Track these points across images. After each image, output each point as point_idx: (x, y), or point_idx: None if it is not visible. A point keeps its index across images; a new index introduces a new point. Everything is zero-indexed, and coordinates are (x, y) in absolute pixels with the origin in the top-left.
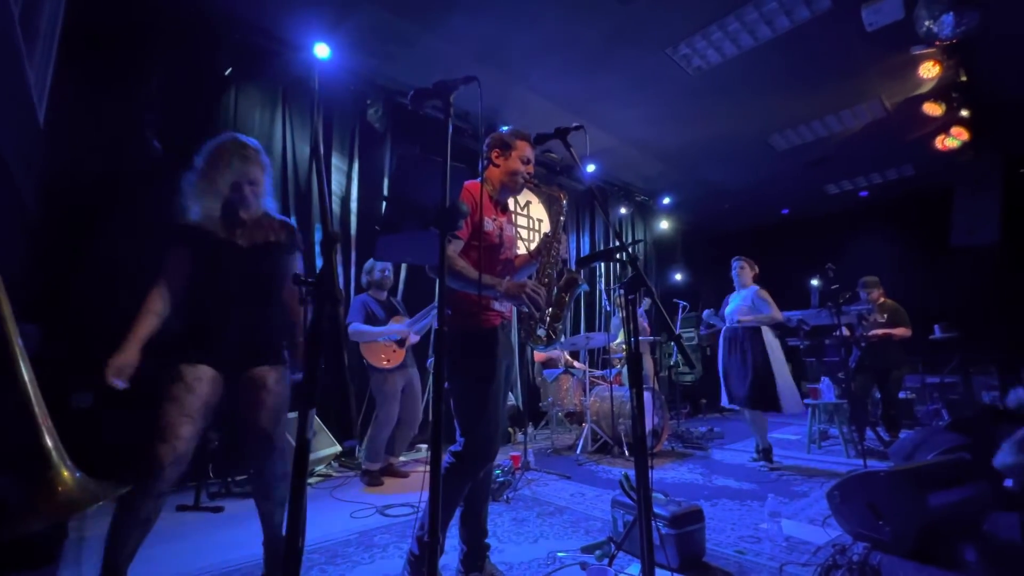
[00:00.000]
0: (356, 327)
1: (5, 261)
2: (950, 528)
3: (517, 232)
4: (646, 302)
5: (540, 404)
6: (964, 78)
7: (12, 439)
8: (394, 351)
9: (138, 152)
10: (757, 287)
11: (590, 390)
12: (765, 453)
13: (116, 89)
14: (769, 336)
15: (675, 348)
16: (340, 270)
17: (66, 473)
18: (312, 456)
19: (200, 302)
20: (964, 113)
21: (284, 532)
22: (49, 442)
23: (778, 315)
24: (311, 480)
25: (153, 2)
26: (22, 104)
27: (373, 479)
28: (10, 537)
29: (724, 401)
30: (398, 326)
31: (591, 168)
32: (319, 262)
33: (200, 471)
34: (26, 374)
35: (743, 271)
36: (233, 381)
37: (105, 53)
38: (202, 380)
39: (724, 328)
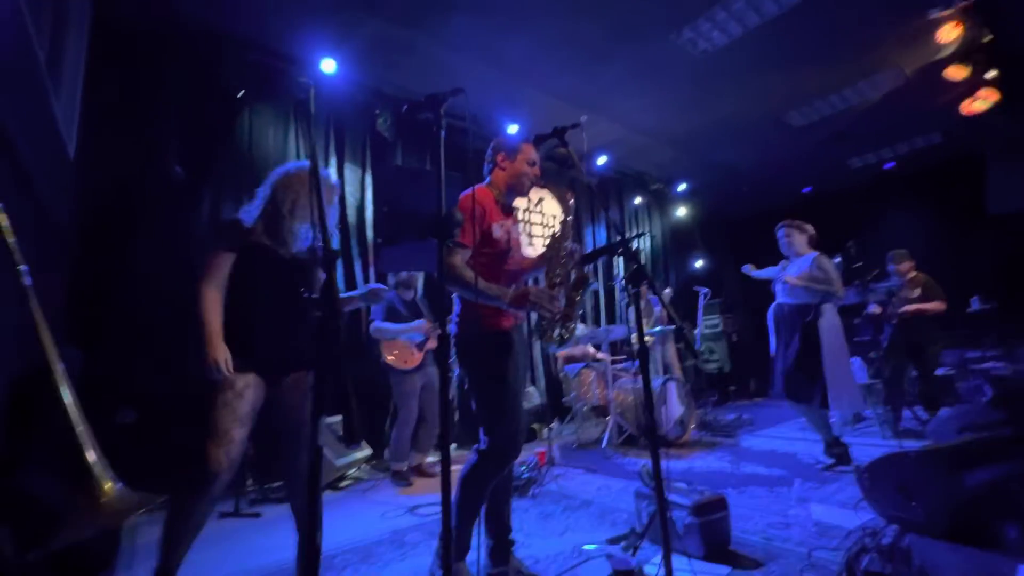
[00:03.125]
0: (377, 325)
1: (46, 291)
2: (988, 507)
3: (531, 229)
4: (667, 293)
5: (563, 399)
6: (989, 37)
7: (59, 456)
8: (413, 354)
9: (161, 177)
10: (817, 253)
11: (613, 382)
12: (828, 447)
13: (137, 117)
14: (829, 317)
15: (697, 335)
16: (359, 277)
17: (108, 485)
18: (343, 460)
19: (244, 309)
20: (991, 74)
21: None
22: (92, 457)
23: (835, 289)
24: (343, 483)
25: (166, 28)
26: (51, 139)
27: (402, 478)
28: (60, 545)
29: (774, 390)
30: (418, 322)
31: (602, 160)
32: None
33: (239, 479)
34: (68, 397)
35: (791, 237)
36: (273, 386)
37: (125, 83)
38: (250, 387)
39: (772, 306)
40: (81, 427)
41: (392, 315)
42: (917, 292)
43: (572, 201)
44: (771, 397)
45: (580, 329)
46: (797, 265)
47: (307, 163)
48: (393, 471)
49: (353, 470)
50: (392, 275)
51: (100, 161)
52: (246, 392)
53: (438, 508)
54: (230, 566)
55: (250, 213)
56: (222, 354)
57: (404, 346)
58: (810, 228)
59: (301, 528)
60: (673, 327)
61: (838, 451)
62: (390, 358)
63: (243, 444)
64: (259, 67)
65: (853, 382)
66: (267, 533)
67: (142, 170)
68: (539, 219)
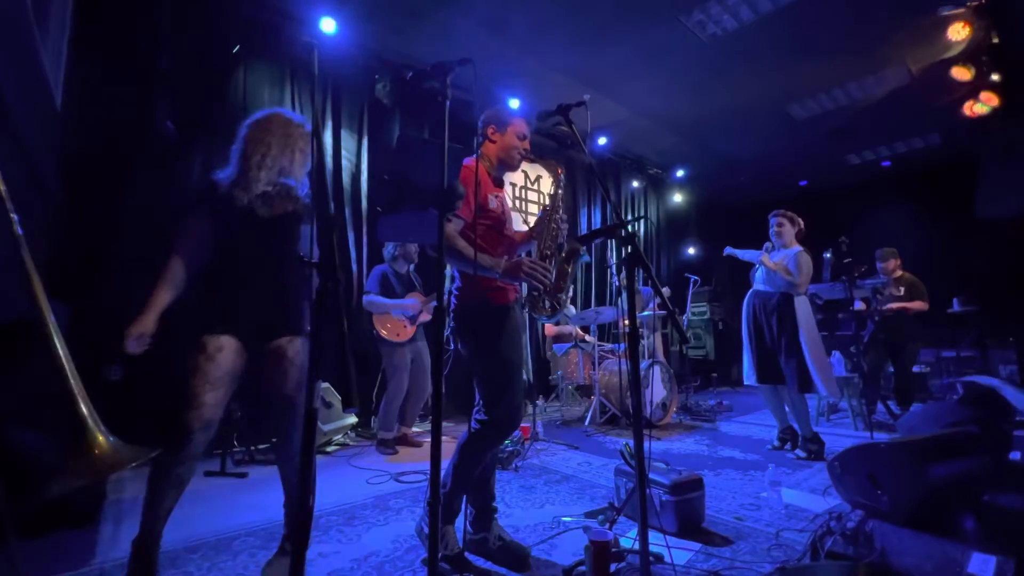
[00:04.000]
0: (371, 298)
1: (34, 243)
2: (949, 498)
3: (528, 207)
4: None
5: (550, 377)
6: (996, 40)
7: (51, 408)
8: (405, 327)
9: (152, 133)
10: (800, 249)
11: (599, 364)
12: (804, 441)
13: (128, 69)
14: (804, 305)
15: (684, 321)
16: (352, 246)
17: (101, 438)
18: (330, 426)
19: (221, 273)
20: (995, 77)
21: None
22: (84, 409)
23: (800, 285)
24: (329, 449)
25: None
26: (39, 88)
27: (388, 447)
28: (52, 495)
29: (746, 379)
30: (410, 300)
31: (602, 141)
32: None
33: (225, 439)
34: (60, 348)
35: (783, 227)
36: (256, 351)
37: (115, 33)
38: (223, 350)
39: (748, 293)
40: (73, 380)
41: (386, 287)
42: (901, 291)
43: (562, 174)
44: (743, 384)
45: (570, 310)
46: (781, 255)
47: (274, 110)
48: (379, 440)
49: (339, 436)
50: (392, 246)
51: (88, 114)
52: (218, 356)
53: (421, 476)
54: (215, 523)
55: (226, 173)
56: (139, 328)
57: (396, 319)
58: (801, 222)
59: (289, 492)
60: (663, 312)
61: (815, 447)
62: (383, 331)
63: (217, 407)
64: (255, 22)
65: (829, 368)
66: (253, 492)
67: (132, 124)
68: (536, 197)
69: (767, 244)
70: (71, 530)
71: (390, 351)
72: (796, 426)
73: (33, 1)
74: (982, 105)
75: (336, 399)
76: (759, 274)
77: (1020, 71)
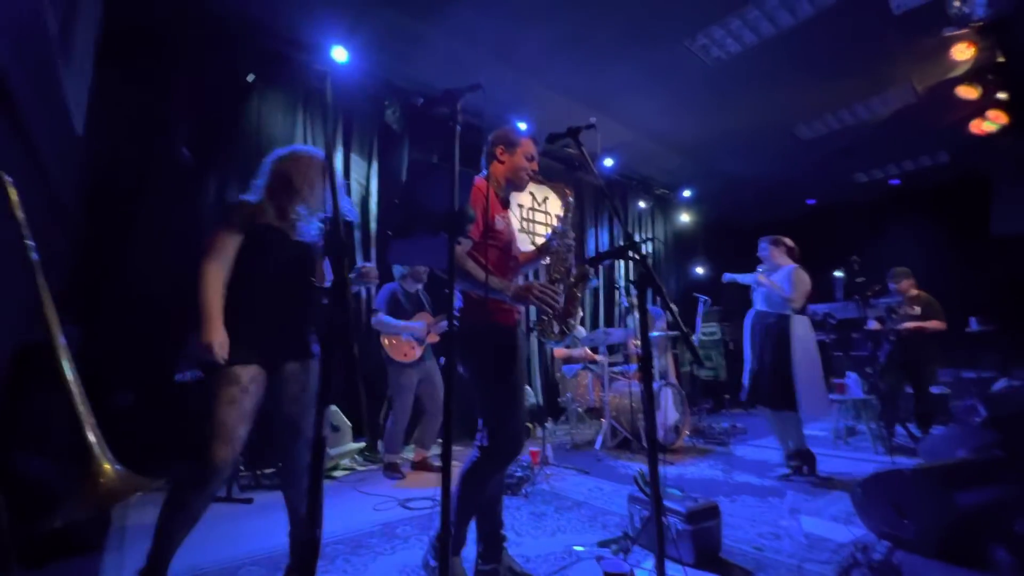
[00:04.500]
0: (379, 318)
1: (49, 266)
2: (979, 528)
3: (535, 228)
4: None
5: (559, 400)
6: (1001, 59)
7: (59, 435)
8: (412, 347)
9: (168, 159)
10: (795, 267)
11: (609, 385)
12: (799, 458)
13: (147, 96)
14: (801, 327)
15: (695, 342)
16: None
17: (107, 466)
18: (337, 450)
19: (251, 298)
20: (1001, 95)
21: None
22: (92, 437)
23: (794, 300)
24: (336, 474)
25: (179, 10)
26: (60, 113)
27: (394, 471)
28: (59, 524)
29: (743, 395)
30: (418, 324)
31: (609, 162)
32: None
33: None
34: (70, 374)
35: (770, 251)
36: (272, 374)
37: (136, 61)
38: (256, 381)
39: (748, 313)
40: (82, 406)
41: (394, 306)
42: (917, 310)
43: (571, 198)
44: (742, 402)
45: (580, 332)
46: (777, 274)
47: (305, 147)
48: (385, 464)
49: (346, 460)
50: (399, 267)
51: (108, 139)
52: (252, 387)
53: (430, 503)
54: (221, 552)
55: (255, 195)
56: (218, 337)
57: (404, 341)
58: (789, 242)
59: (293, 518)
60: (674, 333)
61: (803, 464)
62: (390, 351)
63: (244, 439)
64: (269, 52)
65: (823, 390)
66: (259, 519)
67: (150, 150)
68: (543, 218)
69: (760, 266)
70: (75, 558)
71: (397, 371)
72: (789, 443)
73: (59, 31)
74: (990, 123)
75: (344, 423)
76: (757, 295)
77: None
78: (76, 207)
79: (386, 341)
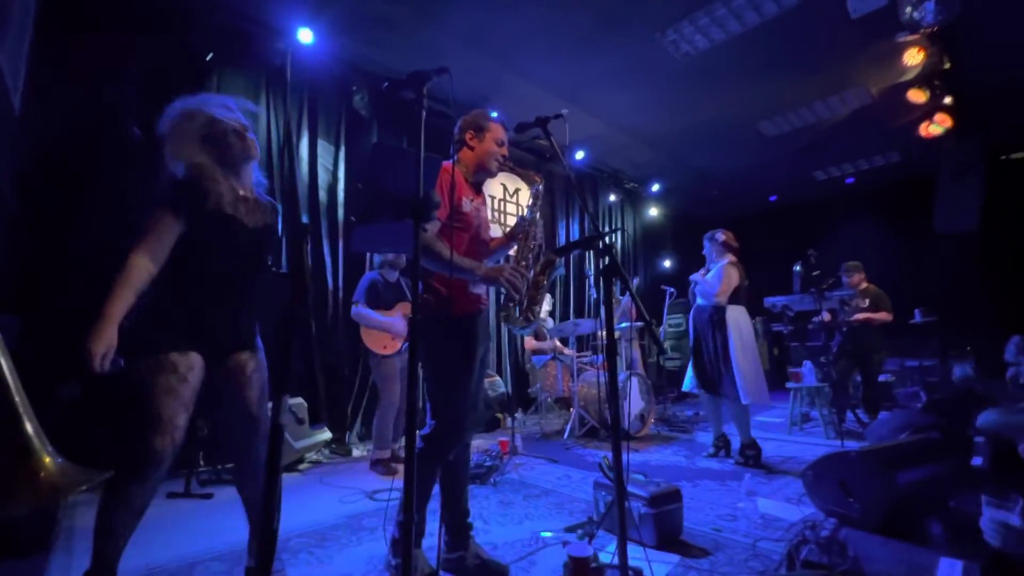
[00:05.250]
0: (359, 310)
1: None
2: (917, 504)
3: (506, 219)
4: (634, 282)
5: (529, 390)
6: (947, 65)
7: None
8: (392, 339)
9: (117, 138)
10: (726, 262)
11: (578, 376)
12: (743, 447)
13: (94, 74)
14: (737, 317)
15: (661, 333)
16: (328, 256)
17: (47, 459)
18: (303, 443)
19: (192, 283)
20: (947, 100)
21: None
22: (30, 429)
23: (718, 295)
24: (302, 467)
25: None
26: None
27: (385, 468)
28: None
29: (687, 386)
30: (395, 319)
31: (580, 155)
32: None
33: (190, 459)
34: (4, 364)
35: (712, 246)
36: (216, 366)
37: (83, 37)
38: (194, 369)
39: (691, 308)
40: (18, 396)
41: (374, 296)
42: (866, 302)
43: (540, 182)
44: (685, 392)
45: (548, 323)
46: (711, 272)
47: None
48: (374, 459)
49: (312, 453)
50: (378, 255)
51: (50, 117)
52: (190, 375)
53: (397, 494)
54: (179, 549)
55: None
56: (103, 344)
57: (381, 333)
58: (724, 236)
59: (252, 516)
60: (640, 323)
61: (752, 453)
62: (369, 343)
63: (185, 429)
64: (230, 30)
65: (761, 377)
66: (219, 514)
67: (96, 129)
68: (514, 209)
69: (704, 267)
70: (17, 560)
71: (377, 363)
72: (736, 433)
73: None
74: (936, 126)
75: (306, 415)
76: (697, 290)
77: (969, 95)
78: (10, 189)
79: (365, 334)
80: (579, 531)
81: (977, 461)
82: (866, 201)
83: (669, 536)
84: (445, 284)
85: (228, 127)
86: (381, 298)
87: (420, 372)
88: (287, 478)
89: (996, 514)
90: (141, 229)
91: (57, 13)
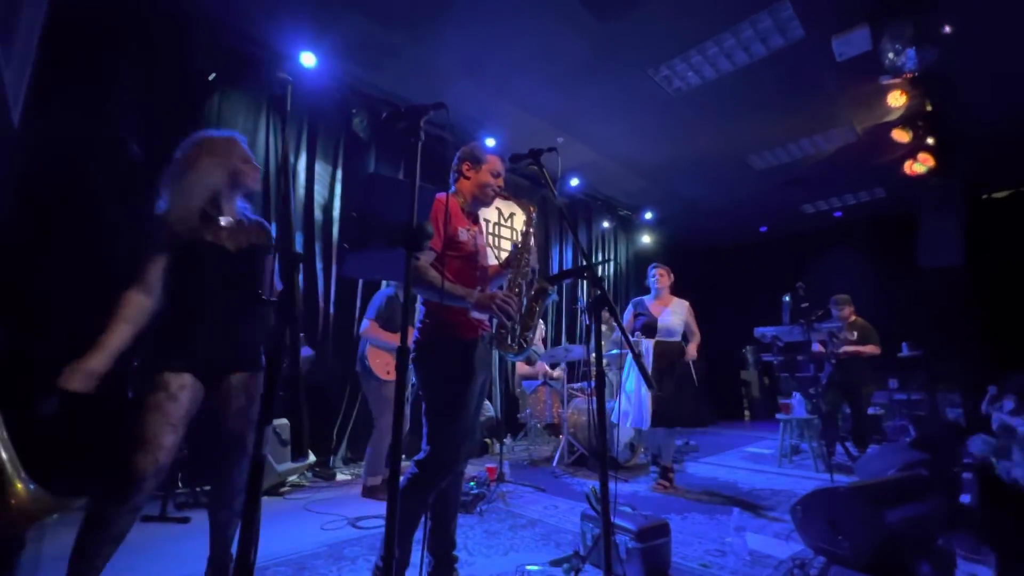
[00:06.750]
0: (368, 329)
1: None
2: (906, 543)
3: (501, 243)
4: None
5: (519, 415)
6: (929, 108)
7: None
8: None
9: (116, 154)
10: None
11: (568, 402)
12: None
13: (96, 91)
14: (646, 346)
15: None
16: (320, 278)
17: (19, 485)
18: (285, 466)
19: (186, 306)
20: (930, 141)
21: (236, 547)
22: (4, 456)
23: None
24: (283, 490)
25: (137, 4)
26: None
27: (376, 494)
28: None
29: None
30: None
31: (575, 182)
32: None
33: (169, 480)
34: None
35: (661, 278)
36: (211, 387)
37: (86, 55)
38: (185, 388)
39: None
40: None
41: (388, 313)
42: (855, 335)
43: (534, 212)
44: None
45: (539, 348)
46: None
47: (204, 133)
48: (366, 486)
49: (294, 476)
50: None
51: (49, 133)
52: (181, 394)
53: (380, 521)
54: (153, 575)
55: (164, 202)
56: (88, 366)
57: (389, 356)
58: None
59: (216, 540)
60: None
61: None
62: (373, 365)
63: (173, 451)
64: (234, 51)
65: (644, 404)
66: (195, 540)
67: (96, 145)
68: (509, 234)
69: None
70: None
71: (378, 386)
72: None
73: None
74: (920, 165)
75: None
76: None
77: (951, 137)
78: (5, 204)
79: (371, 356)
80: (565, 565)
81: (965, 499)
82: (854, 235)
83: (657, 572)
84: (446, 309)
85: (254, 166)
86: (393, 320)
87: (410, 399)
88: (267, 502)
89: (970, 568)
90: (140, 267)
91: (61, 30)
